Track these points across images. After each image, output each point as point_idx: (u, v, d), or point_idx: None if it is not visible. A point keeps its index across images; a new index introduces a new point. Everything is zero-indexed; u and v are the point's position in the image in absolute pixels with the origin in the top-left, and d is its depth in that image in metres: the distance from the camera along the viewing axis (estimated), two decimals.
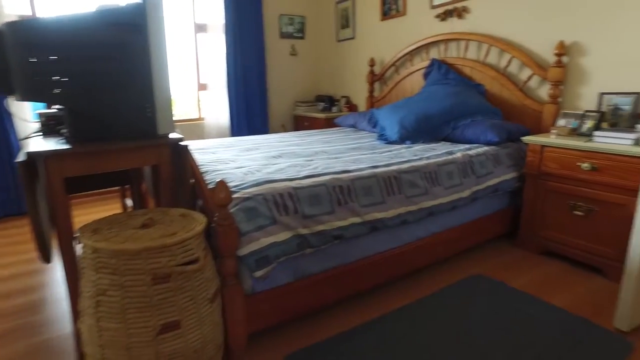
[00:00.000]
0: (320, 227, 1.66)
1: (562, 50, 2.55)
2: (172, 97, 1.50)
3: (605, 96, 2.37)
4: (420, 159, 2.18)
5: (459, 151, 2.34)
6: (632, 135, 1.99)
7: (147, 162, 1.50)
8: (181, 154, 1.55)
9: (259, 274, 1.46)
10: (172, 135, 1.51)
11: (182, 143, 1.54)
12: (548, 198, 2.30)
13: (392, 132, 2.81)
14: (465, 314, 1.82)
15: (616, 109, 2.32)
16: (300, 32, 4.86)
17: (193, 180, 1.70)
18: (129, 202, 2.75)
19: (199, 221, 1.30)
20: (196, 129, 4.35)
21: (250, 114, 4.53)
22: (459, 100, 2.86)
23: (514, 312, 1.82)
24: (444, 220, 2.18)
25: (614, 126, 2.28)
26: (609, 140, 2.07)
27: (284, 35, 4.76)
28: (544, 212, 2.33)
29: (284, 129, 4.92)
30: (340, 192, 1.76)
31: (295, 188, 1.67)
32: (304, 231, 1.62)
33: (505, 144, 2.53)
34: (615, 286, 2.03)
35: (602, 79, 2.46)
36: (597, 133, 2.13)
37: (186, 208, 1.54)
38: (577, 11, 2.54)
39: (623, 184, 1.98)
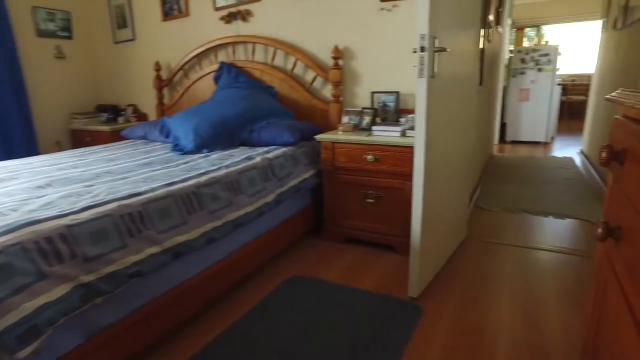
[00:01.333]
0: (110, 268, 1.38)
1: (338, 54, 2.79)
2: None
3: (375, 95, 2.71)
4: (219, 168, 2.07)
5: (258, 155, 2.32)
6: (398, 128, 2.31)
7: None
8: None
9: (24, 353, 1.11)
10: None
11: None
12: (344, 190, 2.50)
13: (187, 141, 2.62)
14: (291, 317, 1.81)
15: (384, 106, 2.67)
16: (66, 31, 4.12)
17: None
18: None
19: None
20: None
21: (6, 133, 3.62)
22: (252, 103, 2.86)
23: (331, 305, 1.90)
24: (253, 229, 2.13)
25: (385, 120, 2.62)
26: (383, 133, 2.36)
27: (44, 34, 3.95)
28: (342, 203, 2.53)
29: (59, 146, 4.12)
30: (131, 220, 1.50)
31: (69, 226, 1.34)
32: (88, 278, 1.32)
33: (301, 144, 2.64)
34: (406, 260, 2.34)
35: (371, 79, 2.80)
36: (374, 128, 2.41)
37: None
38: (345, 21, 2.82)
39: (399, 171, 2.28)
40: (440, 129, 1.97)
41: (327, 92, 2.97)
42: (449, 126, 2.08)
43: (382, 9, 2.68)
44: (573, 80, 8.85)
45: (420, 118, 1.79)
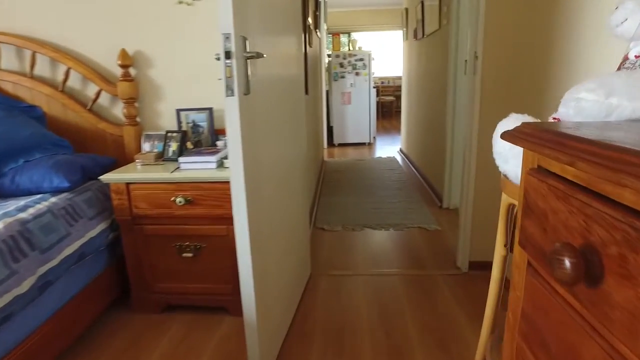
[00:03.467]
0: None
1: (127, 60, 2.11)
2: None
3: (182, 113, 2.11)
4: None
5: (2, 218, 1.51)
6: (213, 158, 1.78)
7: None
8: None
9: None
10: None
11: None
12: (151, 245, 1.85)
13: None
14: None
15: (196, 126, 2.10)
16: None
17: None
18: None
19: None
20: None
21: None
22: (2, 131, 1.96)
23: None
24: None
25: (198, 145, 2.06)
26: (194, 166, 1.80)
27: None
28: (152, 262, 1.88)
29: None
30: None
31: None
32: None
33: (84, 186, 1.89)
34: (242, 322, 1.83)
35: (176, 93, 2.20)
36: (182, 159, 1.82)
37: None
38: (133, 16, 2.15)
39: (220, 213, 1.75)
40: (264, 153, 1.52)
41: (119, 111, 2.25)
42: (274, 147, 1.65)
43: (181, 2, 2.11)
44: (383, 83, 9.70)
45: (234, 148, 1.30)
